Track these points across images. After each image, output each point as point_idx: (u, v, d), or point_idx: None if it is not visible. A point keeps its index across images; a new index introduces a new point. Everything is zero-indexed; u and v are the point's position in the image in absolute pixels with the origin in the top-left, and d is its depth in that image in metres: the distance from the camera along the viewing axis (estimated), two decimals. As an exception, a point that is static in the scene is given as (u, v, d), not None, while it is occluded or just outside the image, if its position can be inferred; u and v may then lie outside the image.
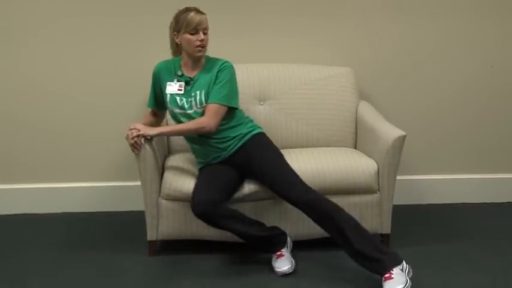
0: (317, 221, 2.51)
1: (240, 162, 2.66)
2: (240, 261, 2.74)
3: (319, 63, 3.21)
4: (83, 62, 3.21)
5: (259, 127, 2.77)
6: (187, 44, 2.58)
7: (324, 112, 3.08)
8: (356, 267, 2.48)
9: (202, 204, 2.47)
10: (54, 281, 2.55)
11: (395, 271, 2.35)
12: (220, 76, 2.62)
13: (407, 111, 3.37)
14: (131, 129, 2.58)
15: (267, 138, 2.75)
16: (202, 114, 2.61)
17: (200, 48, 2.58)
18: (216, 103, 2.59)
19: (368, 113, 3.06)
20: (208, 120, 2.57)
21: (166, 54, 2.72)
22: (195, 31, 2.55)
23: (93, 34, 3.18)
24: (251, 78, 3.08)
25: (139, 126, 2.61)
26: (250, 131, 2.70)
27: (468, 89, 3.40)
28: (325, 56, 3.27)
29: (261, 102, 3.08)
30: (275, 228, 2.66)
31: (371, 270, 2.42)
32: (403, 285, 2.32)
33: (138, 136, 2.57)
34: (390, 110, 3.22)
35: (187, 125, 2.61)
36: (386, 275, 2.34)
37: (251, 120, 2.78)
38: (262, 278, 2.57)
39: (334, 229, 2.46)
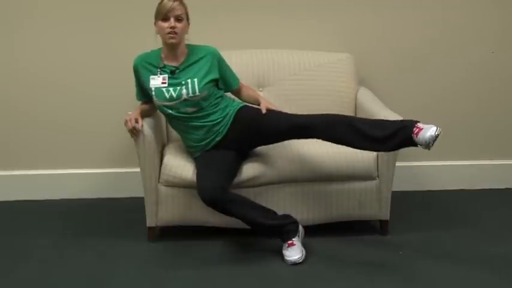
0: (340, 136, 2.52)
1: (235, 138, 2.65)
2: (243, 247, 2.74)
3: (318, 49, 3.19)
4: (81, 51, 3.19)
5: (241, 102, 2.79)
6: (160, 31, 2.58)
7: (323, 98, 3.07)
8: (363, 251, 2.54)
9: (210, 189, 2.45)
10: (55, 266, 2.57)
11: (421, 124, 2.40)
12: (222, 62, 2.69)
13: (407, 97, 3.35)
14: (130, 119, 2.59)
15: (252, 106, 2.76)
16: (193, 104, 2.60)
17: (171, 35, 2.55)
18: (240, 82, 2.79)
19: (368, 100, 3.05)
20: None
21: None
22: (166, 18, 2.54)
23: (88, 23, 3.16)
24: (250, 64, 3.07)
25: (134, 115, 2.62)
26: (234, 107, 2.71)
27: (468, 75, 3.39)
28: (325, 42, 3.25)
29: (260, 89, 3.07)
30: (287, 216, 2.62)
31: (402, 139, 2.43)
32: (435, 127, 2.35)
33: (136, 121, 2.58)
34: (390, 97, 3.20)
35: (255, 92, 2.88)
36: (416, 130, 2.38)
37: (233, 100, 2.80)
38: (270, 266, 2.55)
39: (358, 136, 2.48)
